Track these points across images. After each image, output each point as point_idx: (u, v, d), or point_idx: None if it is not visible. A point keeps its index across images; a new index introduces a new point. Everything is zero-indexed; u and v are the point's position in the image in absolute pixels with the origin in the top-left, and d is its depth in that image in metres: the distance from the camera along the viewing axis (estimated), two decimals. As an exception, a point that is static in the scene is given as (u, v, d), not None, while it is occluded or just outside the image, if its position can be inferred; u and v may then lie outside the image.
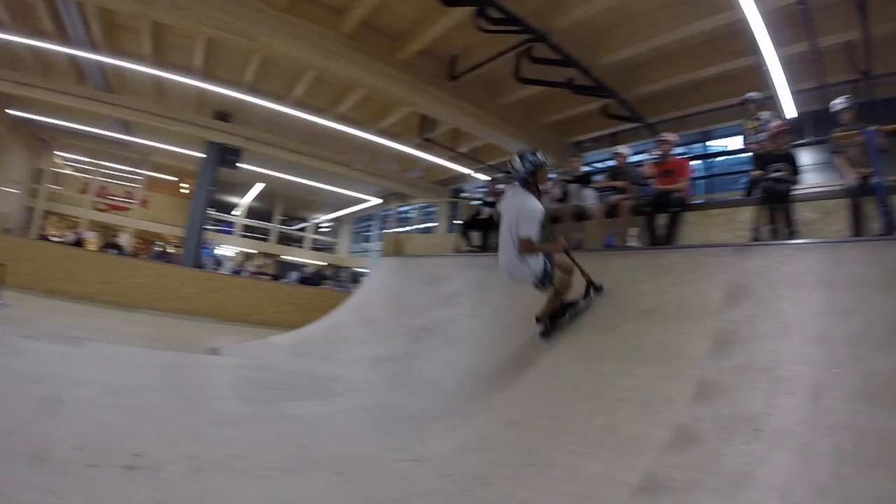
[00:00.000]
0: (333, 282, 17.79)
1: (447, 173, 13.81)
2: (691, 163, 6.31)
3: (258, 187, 19.03)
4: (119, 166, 19.11)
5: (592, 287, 4.07)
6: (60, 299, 9.64)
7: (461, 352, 4.62)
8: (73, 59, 10.81)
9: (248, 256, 21.30)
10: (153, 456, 2.19)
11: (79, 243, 14.53)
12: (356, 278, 17.44)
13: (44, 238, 15.13)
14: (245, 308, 11.45)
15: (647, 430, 2.61)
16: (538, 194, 3.69)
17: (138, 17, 8.73)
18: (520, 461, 2.65)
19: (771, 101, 6.84)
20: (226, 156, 13.08)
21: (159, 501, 1.86)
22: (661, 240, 4.97)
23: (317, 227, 24.72)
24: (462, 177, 13.99)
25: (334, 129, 11.88)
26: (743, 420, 2.43)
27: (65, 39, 9.80)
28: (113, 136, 15.31)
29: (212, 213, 16.91)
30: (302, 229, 24.12)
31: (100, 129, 14.80)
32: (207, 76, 10.62)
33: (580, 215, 5.77)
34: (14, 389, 2.73)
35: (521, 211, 3.52)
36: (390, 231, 11.19)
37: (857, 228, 3.93)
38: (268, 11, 7.65)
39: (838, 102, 4.63)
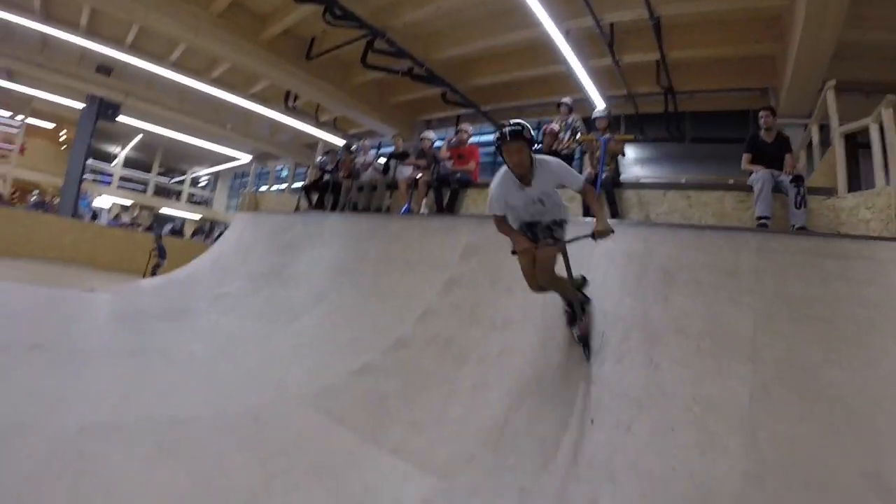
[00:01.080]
0: (204, 235, 18.76)
1: (313, 139, 14.77)
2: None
3: (137, 138, 19.21)
4: None
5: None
6: None
7: (287, 290, 5.91)
8: None
9: (124, 208, 21.42)
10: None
11: None
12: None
13: None
14: (118, 258, 12.20)
15: (377, 339, 4.12)
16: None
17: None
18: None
19: (584, 104, 8.21)
20: (106, 109, 13.48)
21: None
22: (444, 209, 6.31)
23: (194, 181, 24.90)
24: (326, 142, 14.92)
25: (208, 91, 12.65)
26: (441, 338, 3.88)
27: None
28: None
29: (90, 163, 17.02)
30: (180, 183, 24.31)
31: None
32: (91, 33, 11.02)
33: (392, 185, 7.18)
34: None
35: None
36: (250, 189, 12.27)
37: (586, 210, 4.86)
38: None
39: (597, 112, 5.59)
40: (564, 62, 8.42)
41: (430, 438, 2.87)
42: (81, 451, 2.33)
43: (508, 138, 2.73)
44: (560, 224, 3.11)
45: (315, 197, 8.01)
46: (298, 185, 9.51)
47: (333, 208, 7.60)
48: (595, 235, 2.78)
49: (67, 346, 4.10)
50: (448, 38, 9.32)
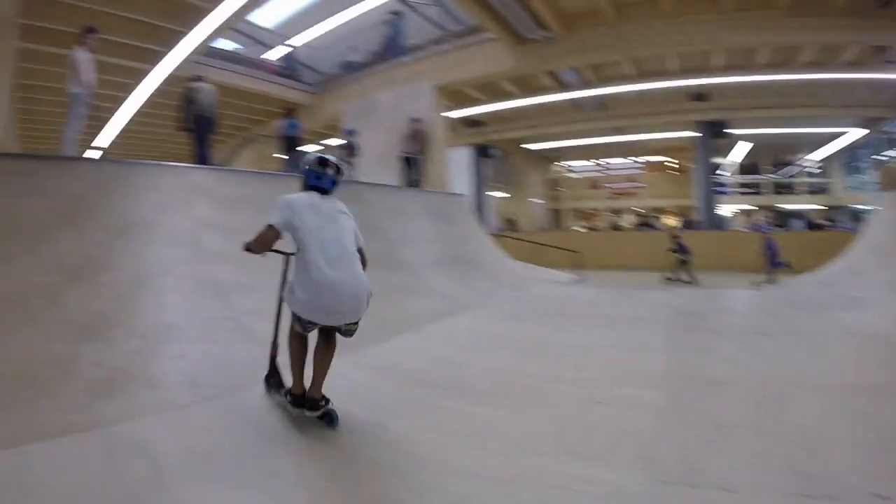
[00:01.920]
0: (835, 223, 18.30)
1: None
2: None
3: (741, 146, 20.26)
4: (615, 161, 24.40)
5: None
6: (614, 271, 12.59)
7: None
8: (571, 99, 14.92)
9: (745, 213, 22.88)
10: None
11: (616, 228, 20.63)
12: (857, 217, 17.48)
13: (590, 229, 21.72)
14: (760, 258, 12.65)
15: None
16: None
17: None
18: None
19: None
20: (714, 129, 15.09)
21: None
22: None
23: (804, 171, 23.89)
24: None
25: (801, 78, 12.77)
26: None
27: (563, 88, 14.05)
28: (606, 141, 19.89)
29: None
30: (790, 175, 23.94)
31: (592, 138, 19.53)
32: (682, 72, 13.02)
33: None
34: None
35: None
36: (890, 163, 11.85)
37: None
38: (718, 21, 9.63)
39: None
40: None
41: None
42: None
43: None
44: None
45: None
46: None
47: None
48: None
49: (783, 329, 4.60)
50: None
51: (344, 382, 2.73)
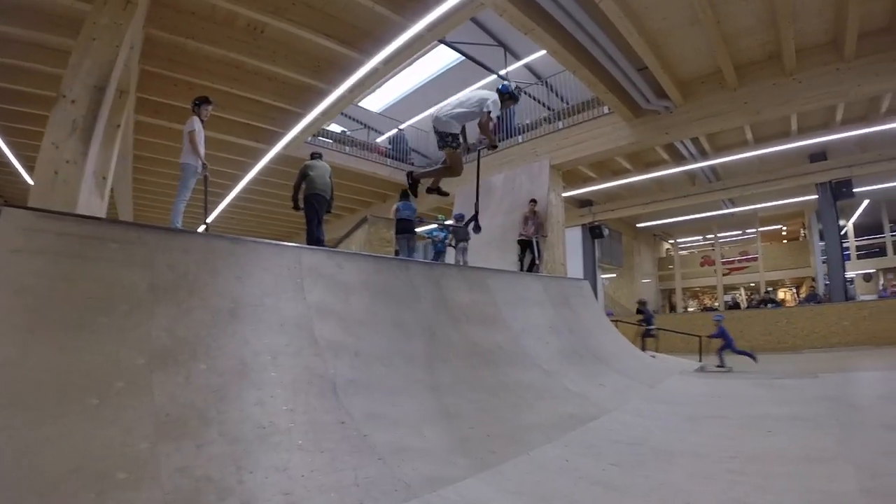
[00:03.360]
0: None
1: None
2: None
3: (862, 205, 18.84)
4: (727, 233, 23.17)
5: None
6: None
7: None
8: (686, 171, 14.36)
9: (867, 277, 21.09)
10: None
11: (736, 306, 20.24)
12: None
13: (707, 309, 21.06)
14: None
15: None
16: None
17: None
18: None
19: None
20: (839, 189, 13.72)
21: None
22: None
23: None
24: None
25: None
26: None
27: (679, 160, 13.49)
28: (719, 213, 18.76)
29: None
30: None
31: (707, 211, 18.53)
32: (801, 132, 12.35)
33: None
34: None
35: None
36: None
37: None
38: (844, 67, 8.80)
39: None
40: None
41: None
42: None
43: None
44: None
45: None
46: None
47: None
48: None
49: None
50: None
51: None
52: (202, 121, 5.69)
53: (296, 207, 6.70)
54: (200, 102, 5.71)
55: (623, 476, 3.08)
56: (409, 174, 6.03)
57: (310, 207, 6.56)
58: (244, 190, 14.50)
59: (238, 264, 3.74)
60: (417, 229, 8.87)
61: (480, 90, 5.33)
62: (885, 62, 8.61)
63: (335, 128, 15.65)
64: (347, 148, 14.69)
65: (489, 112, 4.91)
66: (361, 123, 16.42)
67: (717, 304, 21.98)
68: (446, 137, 5.13)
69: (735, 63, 9.16)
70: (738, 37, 8.58)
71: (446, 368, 4.27)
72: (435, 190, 5.73)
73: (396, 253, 8.17)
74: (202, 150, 5.54)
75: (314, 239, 6.33)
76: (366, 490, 2.49)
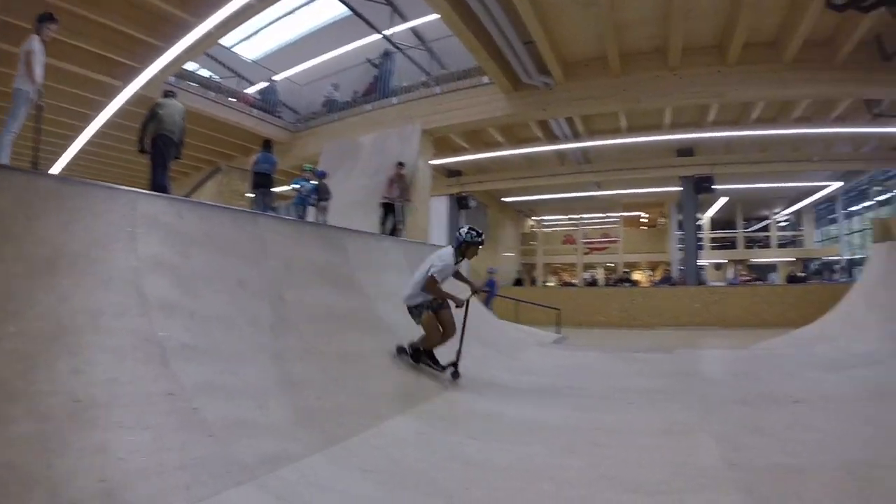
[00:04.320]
0: (819, 276, 18.62)
1: None
2: None
3: (720, 201, 20.04)
4: (590, 215, 24.23)
5: (454, 367, 4.61)
6: (592, 328, 12.31)
7: None
8: (557, 150, 14.59)
9: (718, 266, 22.93)
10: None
11: (594, 283, 20.45)
12: (849, 269, 17.63)
13: (566, 285, 21.52)
14: (745, 313, 12.91)
15: None
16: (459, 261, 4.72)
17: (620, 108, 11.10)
18: None
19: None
20: (699, 184, 14.66)
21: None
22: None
23: (777, 224, 24.21)
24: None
25: (788, 133, 12.78)
26: None
27: (552, 139, 13.61)
28: (586, 195, 19.46)
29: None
30: (764, 229, 24.22)
31: (573, 192, 19.06)
32: (674, 127, 12.90)
33: None
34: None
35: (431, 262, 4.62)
36: (878, 216, 12.57)
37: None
38: (725, 70, 9.50)
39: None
40: None
41: None
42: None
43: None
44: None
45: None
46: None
47: None
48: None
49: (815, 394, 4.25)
50: None
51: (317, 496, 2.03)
52: (43, 42, 4.80)
53: (141, 150, 5.91)
54: (43, 19, 4.83)
55: (482, 450, 2.93)
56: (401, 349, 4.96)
57: (156, 150, 5.82)
58: (99, 134, 12.80)
59: (64, 208, 3.10)
60: (280, 188, 8.18)
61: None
62: (764, 73, 9.37)
63: (203, 73, 14.25)
64: (213, 94, 13.31)
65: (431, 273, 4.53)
66: (233, 71, 15.06)
67: (575, 280, 23.18)
68: (411, 312, 4.69)
69: (622, 51, 9.41)
70: (629, 26, 8.79)
71: (294, 334, 3.91)
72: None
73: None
74: (39, 74, 4.65)
75: (157, 185, 5.60)
76: (194, 473, 2.12)
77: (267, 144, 8.32)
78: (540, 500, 2.30)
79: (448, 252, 4.65)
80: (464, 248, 4.67)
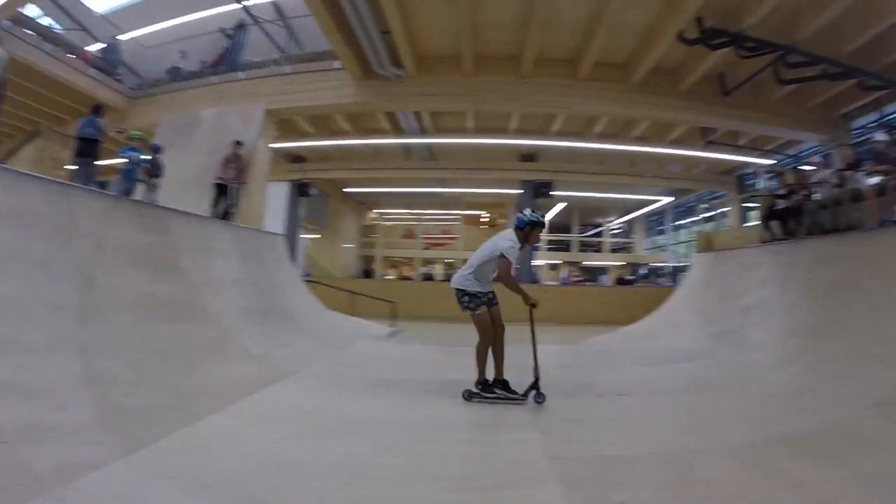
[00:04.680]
0: (646, 280, 20.38)
1: (730, 164, 15.19)
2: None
3: (558, 206, 21.16)
4: (432, 212, 24.87)
5: (536, 389, 3.97)
6: (430, 322, 12.10)
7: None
8: (404, 144, 14.73)
9: (553, 267, 24.50)
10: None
11: (428, 277, 20.83)
12: (675, 274, 19.23)
13: (405, 278, 22.02)
14: (576, 311, 13.79)
15: None
16: (523, 245, 4.14)
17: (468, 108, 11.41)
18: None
19: None
20: (540, 188, 15.64)
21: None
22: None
23: (610, 231, 26.36)
24: (744, 164, 15.11)
25: (628, 149, 13.86)
26: None
27: (399, 133, 13.64)
28: (428, 191, 19.89)
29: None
30: (597, 235, 26.16)
31: (416, 187, 19.44)
32: (519, 132, 13.43)
33: (856, 197, 6.51)
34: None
35: (497, 243, 4.07)
36: (703, 230, 14.41)
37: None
38: (574, 84, 10.09)
39: None
40: None
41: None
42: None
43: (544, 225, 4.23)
44: None
45: (776, 225, 7.89)
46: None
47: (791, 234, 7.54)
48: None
49: (641, 387, 4.66)
50: (851, 26, 8.22)
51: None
52: None
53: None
54: None
55: (302, 449, 2.78)
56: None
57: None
58: None
59: None
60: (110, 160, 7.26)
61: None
62: (611, 91, 10.07)
63: (46, 22, 12.43)
64: (49, 46, 11.55)
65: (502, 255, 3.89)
66: (78, 23, 13.29)
67: (413, 275, 23.71)
68: (462, 298, 4.11)
69: (477, 52, 9.57)
70: (487, 28, 8.92)
71: (104, 323, 3.55)
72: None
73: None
74: None
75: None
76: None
77: (97, 109, 7.31)
78: (354, 502, 2.22)
79: (512, 234, 4.05)
80: (527, 231, 4.08)
